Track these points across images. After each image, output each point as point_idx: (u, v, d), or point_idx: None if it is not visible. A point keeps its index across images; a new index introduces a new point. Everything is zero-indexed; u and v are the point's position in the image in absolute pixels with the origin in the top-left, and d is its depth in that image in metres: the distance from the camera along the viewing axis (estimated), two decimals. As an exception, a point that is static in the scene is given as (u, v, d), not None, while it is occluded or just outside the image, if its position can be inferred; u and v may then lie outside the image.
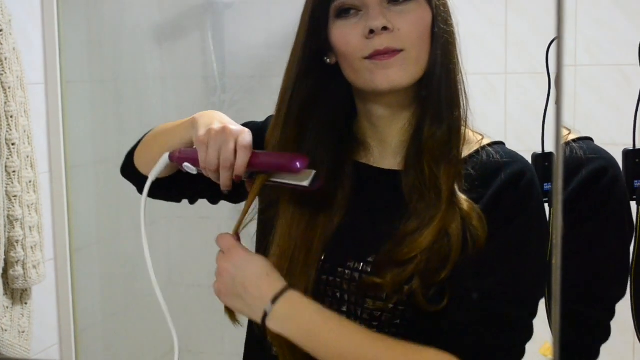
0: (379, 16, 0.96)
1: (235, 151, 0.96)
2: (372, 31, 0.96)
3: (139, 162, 1.17)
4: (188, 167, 1.03)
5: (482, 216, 0.95)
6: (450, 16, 1.02)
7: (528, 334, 0.97)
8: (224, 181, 0.98)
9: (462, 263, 0.94)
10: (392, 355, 0.92)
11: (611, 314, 1.32)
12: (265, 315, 0.93)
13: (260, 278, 0.95)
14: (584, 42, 2.32)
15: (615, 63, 2.29)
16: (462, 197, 0.97)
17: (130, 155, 1.20)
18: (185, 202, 1.23)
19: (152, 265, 1.04)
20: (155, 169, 1.07)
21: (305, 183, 0.94)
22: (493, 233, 0.95)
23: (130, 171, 1.19)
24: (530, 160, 1.29)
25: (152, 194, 1.11)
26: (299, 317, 0.93)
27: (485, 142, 1.03)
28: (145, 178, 1.08)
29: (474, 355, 0.93)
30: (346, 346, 0.92)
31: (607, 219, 1.29)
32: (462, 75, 1.02)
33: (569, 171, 1.27)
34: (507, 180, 0.97)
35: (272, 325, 0.93)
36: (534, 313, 0.98)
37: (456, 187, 0.97)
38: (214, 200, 1.19)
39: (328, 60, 1.02)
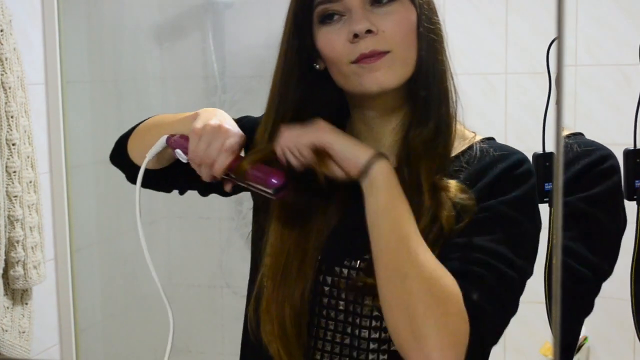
0: (362, 20, 0.95)
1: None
2: (356, 35, 0.95)
3: (134, 151, 1.16)
4: (179, 154, 1.05)
5: (466, 188, 0.96)
6: (435, 14, 1.02)
7: (515, 302, 0.97)
8: (203, 176, 1.00)
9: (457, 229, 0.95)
10: (432, 260, 0.91)
11: (597, 288, 1.32)
12: (371, 163, 0.93)
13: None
14: (584, 42, 2.32)
15: (616, 63, 2.29)
16: (450, 182, 0.97)
17: (122, 144, 1.19)
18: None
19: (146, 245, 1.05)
20: (152, 150, 1.08)
21: (270, 191, 0.97)
22: (487, 205, 0.96)
23: (123, 159, 1.18)
24: (530, 160, 1.30)
25: (144, 183, 1.11)
26: (393, 181, 0.94)
27: (478, 138, 1.04)
28: (137, 167, 1.09)
29: (469, 292, 0.92)
30: (410, 230, 0.92)
31: (605, 198, 1.30)
32: (450, 72, 1.02)
33: (567, 166, 1.28)
34: (505, 168, 0.99)
35: (375, 173, 0.93)
36: (523, 284, 0.98)
37: (439, 180, 0.98)
38: (204, 193, 1.19)
39: (317, 66, 1.02)
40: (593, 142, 1.33)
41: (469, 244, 0.95)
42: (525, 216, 0.99)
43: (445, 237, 0.95)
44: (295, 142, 0.96)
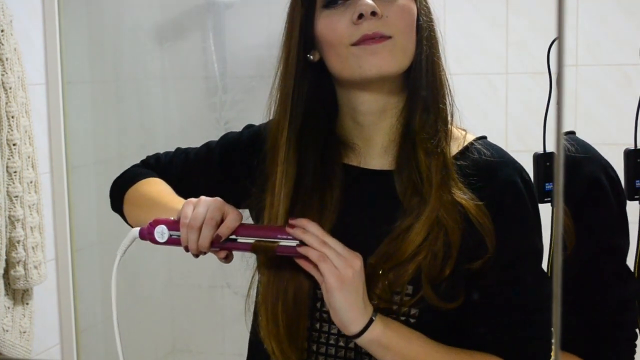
0: (368, 1, 0.95)
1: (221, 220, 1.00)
2: (360, 16, 0.95)
3: (129, 217, 1.21)
4: (162, 229, 1.05)
5: (482, 206, 0.97)
6: (430, 12, 1.03)
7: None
8: (203, 240, 1.01)
9: (485, 266, 0.97)
10: None
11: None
12: (371, 321, 0.94)
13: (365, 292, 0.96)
14: (585, 42, 2.32)
15: (616, 63, 2.29)
16: (459, 193, 0.97)
17: (118, 198, 1.23)
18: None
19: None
20: (124, 244, 1.09)
21: (295, 243, 0.96)
22: (506, 237, 0.97)
23: (122, 213, 1.23)
24: (531, 160, 1.30)
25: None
26: (394, 333, 0.95)
27: (470, 137, 1.04)
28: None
29: (519, 356, 0.98)
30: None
31: (615, 219, 1.31)
32: (445, 72, 1.02)
33: (565, 168, 1.28)
34: (505, 185, 0.99)
35: (376, 332, 0.94)
36: None
37: (451, 182, 0.98)
38: None
39: (311, 57, 1.01)
40: (587, 145, 1.33)
41: (515, 291, 0.99)
42: (539, 233, 1.02)
43: (453, 251, 0.95)
44: (314, 243, 0.95)
